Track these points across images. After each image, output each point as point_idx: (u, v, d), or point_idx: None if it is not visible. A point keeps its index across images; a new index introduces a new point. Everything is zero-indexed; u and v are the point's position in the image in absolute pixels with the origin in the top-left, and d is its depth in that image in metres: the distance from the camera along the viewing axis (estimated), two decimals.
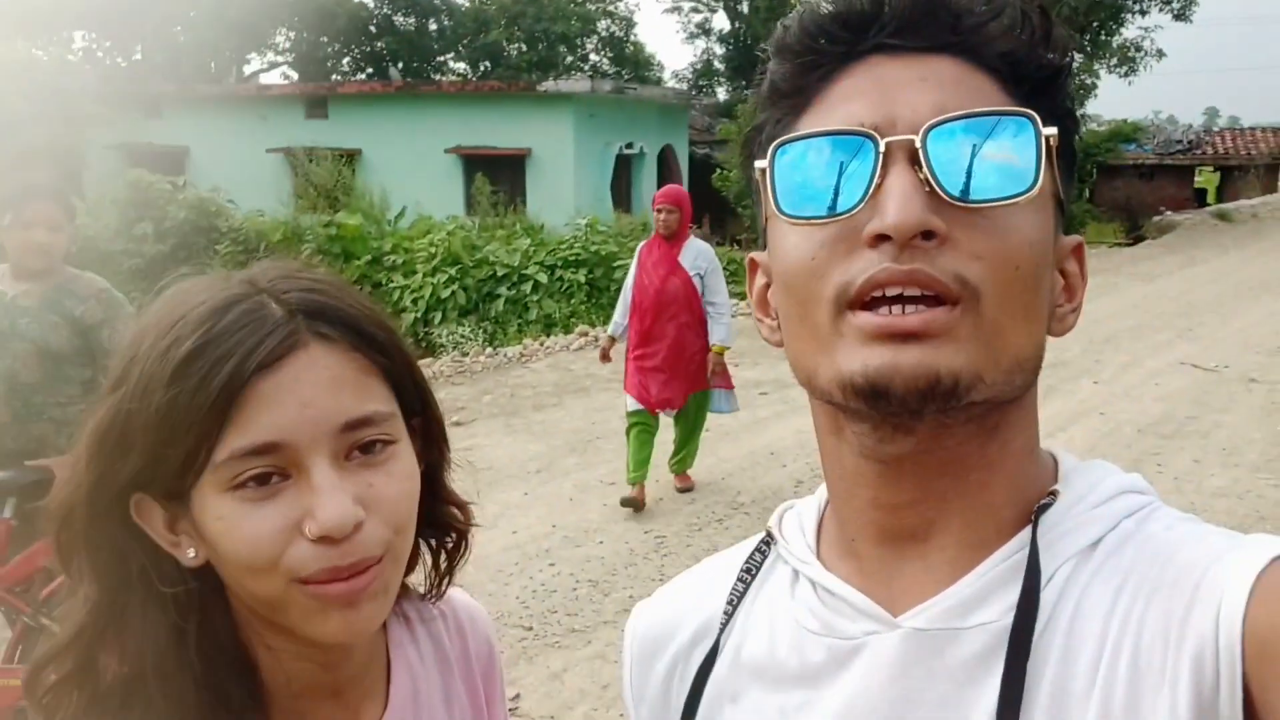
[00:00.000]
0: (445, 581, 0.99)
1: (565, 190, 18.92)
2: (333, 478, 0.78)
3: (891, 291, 0.64)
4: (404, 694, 0.97)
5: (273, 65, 34.14)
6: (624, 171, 21.24)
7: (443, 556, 0.99)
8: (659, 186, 7.52)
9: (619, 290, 15.56)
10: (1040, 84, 0.69)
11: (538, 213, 17.36)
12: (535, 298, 13.28)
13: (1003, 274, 0.65)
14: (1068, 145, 0.71)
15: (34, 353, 3.45)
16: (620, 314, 6.53)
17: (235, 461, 0.77)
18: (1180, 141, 28.42)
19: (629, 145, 21.06)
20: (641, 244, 6.51)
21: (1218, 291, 14.35)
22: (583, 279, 13.63)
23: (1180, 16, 24.26)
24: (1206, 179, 31.33)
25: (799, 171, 0.69)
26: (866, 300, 0.65)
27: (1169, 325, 11.85)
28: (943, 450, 0.69)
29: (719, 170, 19.34)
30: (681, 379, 6.24)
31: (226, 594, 0.85)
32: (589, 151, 19.89)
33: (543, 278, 13.47)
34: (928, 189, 0.64)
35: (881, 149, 0.65)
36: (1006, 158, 0.65)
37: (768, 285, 0.77)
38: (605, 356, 6.67)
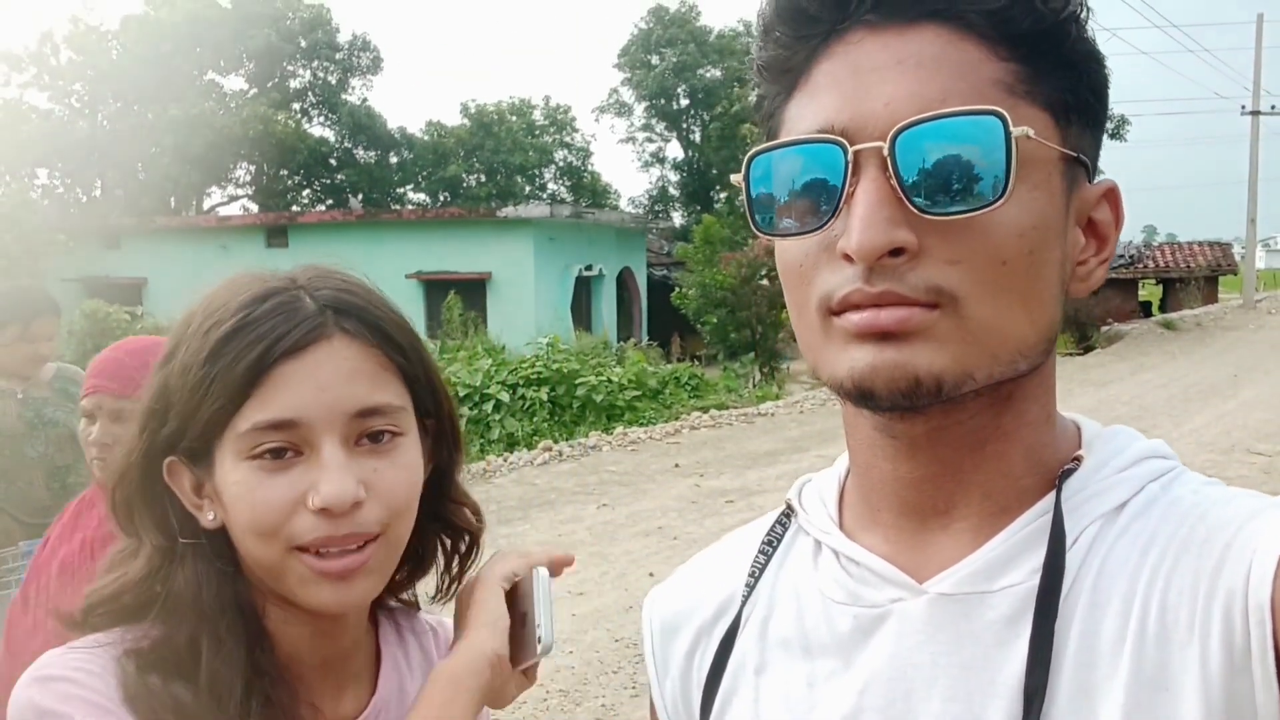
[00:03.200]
0: (455, 584, 1.04)
1: (526, 311, 19.07)
2: (340, 457, 0.86)
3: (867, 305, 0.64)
4: (390, 686, 1.01)
5: (232, 198, 34.53)
6: (584, 292, 21.49)
7: (455, 560, 1.04)
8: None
9: (582, 407, 15.17)
10: (1040, 37, 0.65)
11: (499, 334, 17.44)
12: (497, 416, 13.23)
13: (986, 273, 0.63)
14: (1090, 89, 0.68)
15: (66, 436, 3.67)
16: None
17: (255, 433, 0.85)
18: (1123, 257, 29.32)
19: (588, 267, 21.36)
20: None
21: (1168, 395, 14.62)
22: (545, 396, 13.62)
23: (1115, 135, 25.42)
24: (1150, 292, 32.27)
25: (773, 185, 0.68)
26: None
27: None
28: (956, 426, 0.68)
29: (677, 289, 19.62)
30: None
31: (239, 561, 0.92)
32: (549, 274, 20.13)
33: (505, 396, 13.45)
34: (899, 197, 0.62)
35: (850, 157, 0.63)
36: (976, 162, 0.62)
37: None
38: None
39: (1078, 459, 0.71)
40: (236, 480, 0.86)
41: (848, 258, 0.64)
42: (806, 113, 0.68)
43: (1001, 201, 0.62)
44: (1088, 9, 0.67)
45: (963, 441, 0.69)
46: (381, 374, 0.90)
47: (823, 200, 0.65)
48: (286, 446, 0.86)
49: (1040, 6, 0.64)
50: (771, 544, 0.83)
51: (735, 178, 0.71)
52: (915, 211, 0.62)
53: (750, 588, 0.81)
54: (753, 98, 0.76)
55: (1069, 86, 0.67)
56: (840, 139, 0.64)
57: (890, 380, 0.64)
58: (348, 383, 0.87)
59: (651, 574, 6.92)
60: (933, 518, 0.72)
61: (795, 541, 0.82)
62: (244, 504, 0.86)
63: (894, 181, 0.62)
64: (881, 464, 0.73)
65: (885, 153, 0.62)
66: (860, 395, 0.66)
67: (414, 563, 1.02)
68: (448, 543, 1.04)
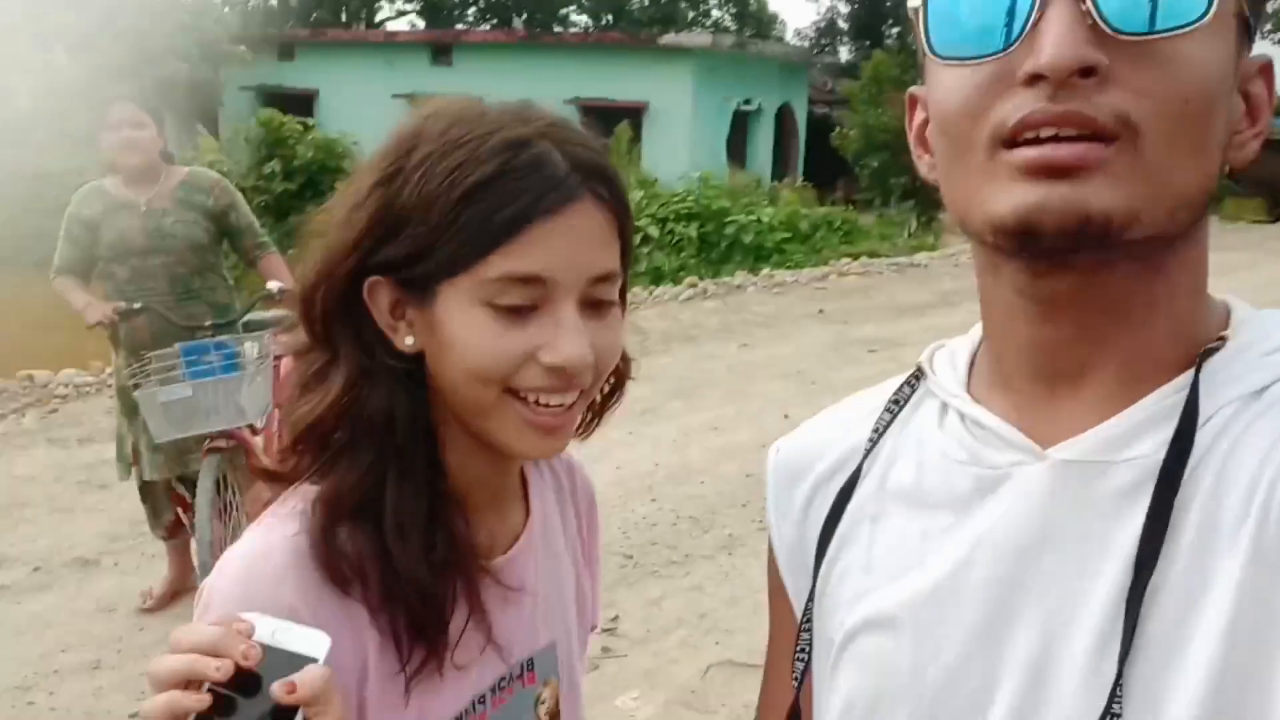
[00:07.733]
0: (596, 421, 1.06)
1: (681, 145, 18.85)
2: (577, 319, 0.88)
3: (1046, 133, 0.62)
4: (539, 511, 1.08)
5: (400, 13, 34.71)
6: (741, 128, 21.05)
7: (597, 398, 1.05)
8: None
9: (730, 245, 14.92)
10: None
11: (652, 166, 17.35)
12: (645, 250, 13.31)
13: (1170, 109, 0.61)
14: None
15: (186, 247, 4.07)
16: None
17: (503, 283, 0.86)
18: None
19: (747, 102, 20.83)
20: None
21: None
22: (694, 233, 13.62)
23: None
24: None
25: (953, 8, 0.66)
26: (1020, 141, 0.63)
27: None
28: (1102, 288, 0.67)
29: (838, 129, 19.01)
30: None
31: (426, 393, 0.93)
32: (707, 107, 19.74)
33: (654, 231, 13.50)
34: (1089, 21, 0.60)
35: None
36: None
37: (926, 122, 0.75)
38: None
39: (1222, 338, 0.69)
40: (468, 323, 0.87)
41: (1031, 80, 0.62)
42: None
43: (1205, 19, 0.60)
44: None
45: (1108, 305, 0.68)
46: (614, 241, 0.92)
47: (1008, 25, 0.63)
48: (526, 304, 0.87)
49: None
50: (898, 403, 0.83)
51: (913, 2, 0.69)
52: (1109, 32, 0.60)
53: (873, 443, 0.82)
54: None
55: None
56: None
57: (1061, 216, 0.62)
58: (592, 247, 0.89)
59: (787, 416, 7.01)
60: (1065, 383, 0.71)
61: (922, 403, 0.82)
62: (473, 347, 0.87)
63: (1085, 4, 0.60)
64: (1019, 328, 0.71)
65: None
66: (1024, 232, 0.63)
67: None
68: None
